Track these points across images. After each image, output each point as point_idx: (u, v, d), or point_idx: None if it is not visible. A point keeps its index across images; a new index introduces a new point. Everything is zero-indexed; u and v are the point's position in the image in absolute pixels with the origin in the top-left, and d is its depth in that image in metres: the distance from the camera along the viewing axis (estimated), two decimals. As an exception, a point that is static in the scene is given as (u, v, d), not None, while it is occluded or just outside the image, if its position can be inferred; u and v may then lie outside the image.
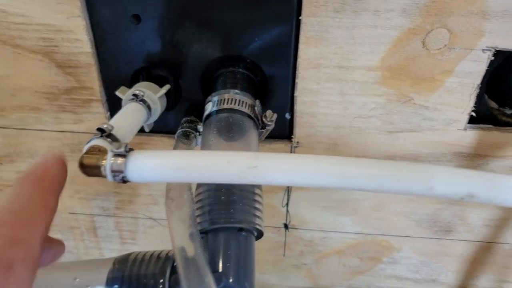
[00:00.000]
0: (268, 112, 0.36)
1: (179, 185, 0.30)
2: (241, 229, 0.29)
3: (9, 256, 0.17)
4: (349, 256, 0.50)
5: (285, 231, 0.48)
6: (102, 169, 0.24)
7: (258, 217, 0.31)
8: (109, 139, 0.27)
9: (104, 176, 0.25)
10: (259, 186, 0.31)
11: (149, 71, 0.39)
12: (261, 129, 0.36)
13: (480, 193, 0.24)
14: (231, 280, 0.28)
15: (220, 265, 0.28)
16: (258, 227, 0.30)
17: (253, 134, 0.35)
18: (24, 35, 0.37)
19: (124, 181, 0.25)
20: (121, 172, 0.24)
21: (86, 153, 0.25)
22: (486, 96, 0.40)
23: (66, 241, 0.54)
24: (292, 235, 0.49)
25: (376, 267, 0.51)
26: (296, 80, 0.37)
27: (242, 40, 0.36)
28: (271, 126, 0.36)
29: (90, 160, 0.24)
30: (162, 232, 0.50)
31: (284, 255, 0.51)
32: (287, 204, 0.46)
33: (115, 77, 0.39)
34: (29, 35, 0.37)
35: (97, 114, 0.41)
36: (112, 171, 0.24)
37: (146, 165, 0.24)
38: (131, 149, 0.25)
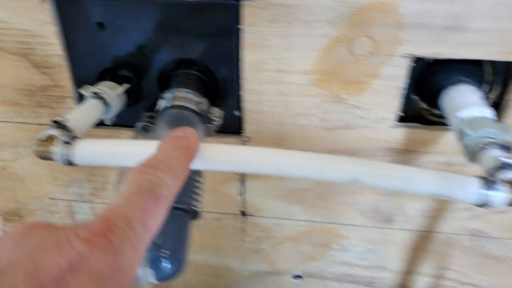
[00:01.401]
0: (214, 109, 0.41)
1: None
2: (177, 208, 0.34)
3: (160, 190, 0.22)
4: (302, 242, 0.55)
5: (242, 217, 0.53)
6: (52, 153, 0.29)
7: (195, 199, 0.36)
8: (62, 130, 0.32)
9: (54, 159, 0.30)
10: (198, 172, 0.36)
11: (114, 72, 0.44)
12: (208, 124, 0.41)
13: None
14: (166, 251, 0.33)
15: (158, 237, 0.33)
16: (194, 208, 0.35)
17: (199, 128, 0.40)
18: (4, 39, 0.42)
19: (70, 163, 0.30)
20: (67, 155, 0.29)
21: (42, 140, 0.30)
22: (417, 98, 0.44)
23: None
24: (250, 221, 0.54)
25: (327, 253, 0.55)
26: (242, 82, 0.42)
27: (194, 45, 0.41)
28: (218, 121, 0.41)
29: (43, 147, 0.30)
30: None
31: (244, 240, 0.56)
32: (242, 193, 0.51)
33: (84, 76, 0.44)
34: (9, 38, 0.42)
35: (71, 110, 0.46)
36: (60, 155, 0.29)
37: (87, 151, 0.29)
38: (77, 138, 0.30)
